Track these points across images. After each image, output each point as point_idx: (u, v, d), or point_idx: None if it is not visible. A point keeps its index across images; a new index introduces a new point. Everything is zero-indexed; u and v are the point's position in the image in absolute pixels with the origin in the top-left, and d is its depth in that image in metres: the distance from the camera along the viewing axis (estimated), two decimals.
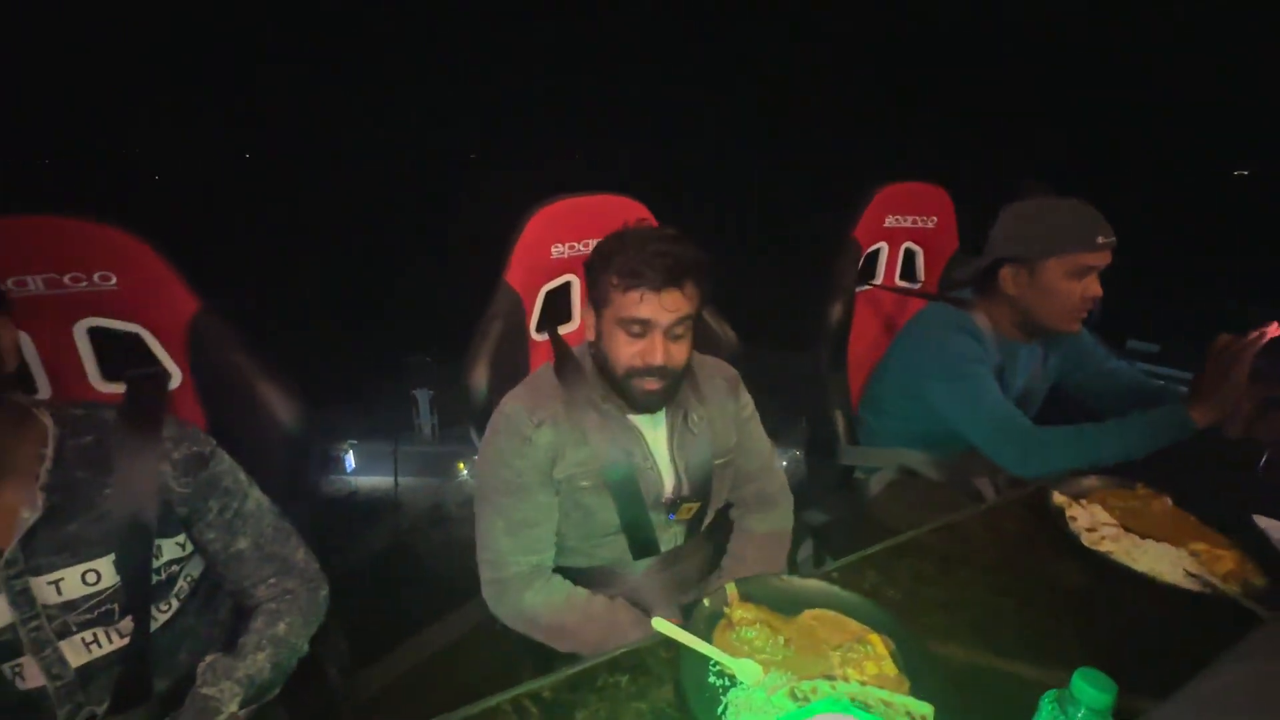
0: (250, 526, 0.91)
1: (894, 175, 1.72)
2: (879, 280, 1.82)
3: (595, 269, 0.99)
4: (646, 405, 1.02)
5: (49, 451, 0.77)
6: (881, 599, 0.82)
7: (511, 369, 1.24)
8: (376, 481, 7.63)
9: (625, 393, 1.01)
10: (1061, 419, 1.25)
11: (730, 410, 1.19)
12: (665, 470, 1.11)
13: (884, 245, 1.79)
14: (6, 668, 0.76)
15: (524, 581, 1.02)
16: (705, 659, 0.70)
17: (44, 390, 0.98)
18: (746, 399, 1.24)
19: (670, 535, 1.13)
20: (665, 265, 0.93)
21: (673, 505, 1.10)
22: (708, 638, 0.73)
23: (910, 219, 1.78)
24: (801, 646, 0.72)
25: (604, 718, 0.65)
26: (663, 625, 0.72)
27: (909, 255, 1.85)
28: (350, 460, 7.82)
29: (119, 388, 1.02)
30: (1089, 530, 0.93)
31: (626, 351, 0.97)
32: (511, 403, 1.05)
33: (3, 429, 0.74)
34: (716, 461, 1.16)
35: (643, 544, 1.10)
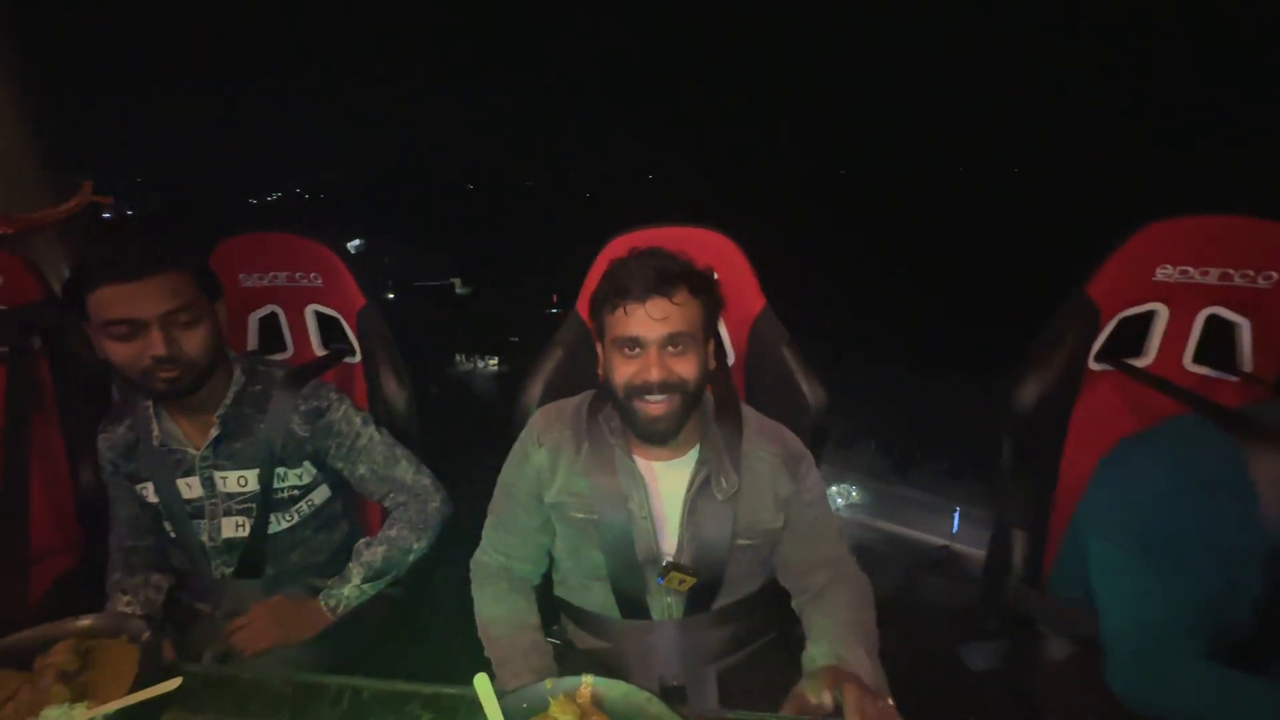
0: (365, 457, 1.20)
1: (1177, 205, 1.14)
2: (1148, 359, 1.24)
3: (593, 301, 0.98)
4: (654, 432, 0.95)
5: (230, 394, 1.14)
6: None
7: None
8: None
9: (631, 419, 0.96)
10: None
11: (780, 490, 1.02)
12: (667, 529, 1.01)
13: (1160, 309, 1.21)
14: (197, 523, 1.16)
15: (487, 573, 1.08)
16: None
17: (290, 350, 1.44)
18: (812, 481, 1.04)
19: (665, 604, 1.02)
20: (647, 276, 0.90)
21: (665, 570, 0.99)
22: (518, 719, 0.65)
23: (1214, 273, 1.16)
24: None
25: None
26: (482, 685, 0.68)
27: (1220, 329, 1.21)
28: None
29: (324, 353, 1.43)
30: None
31: (624, 372, 0.94)
32: (538, 413, 1.10)
33: (214, 375, 1.11)
34: (740, 542, 1.00)
35: (630, 602, 1.02)
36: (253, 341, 1.41)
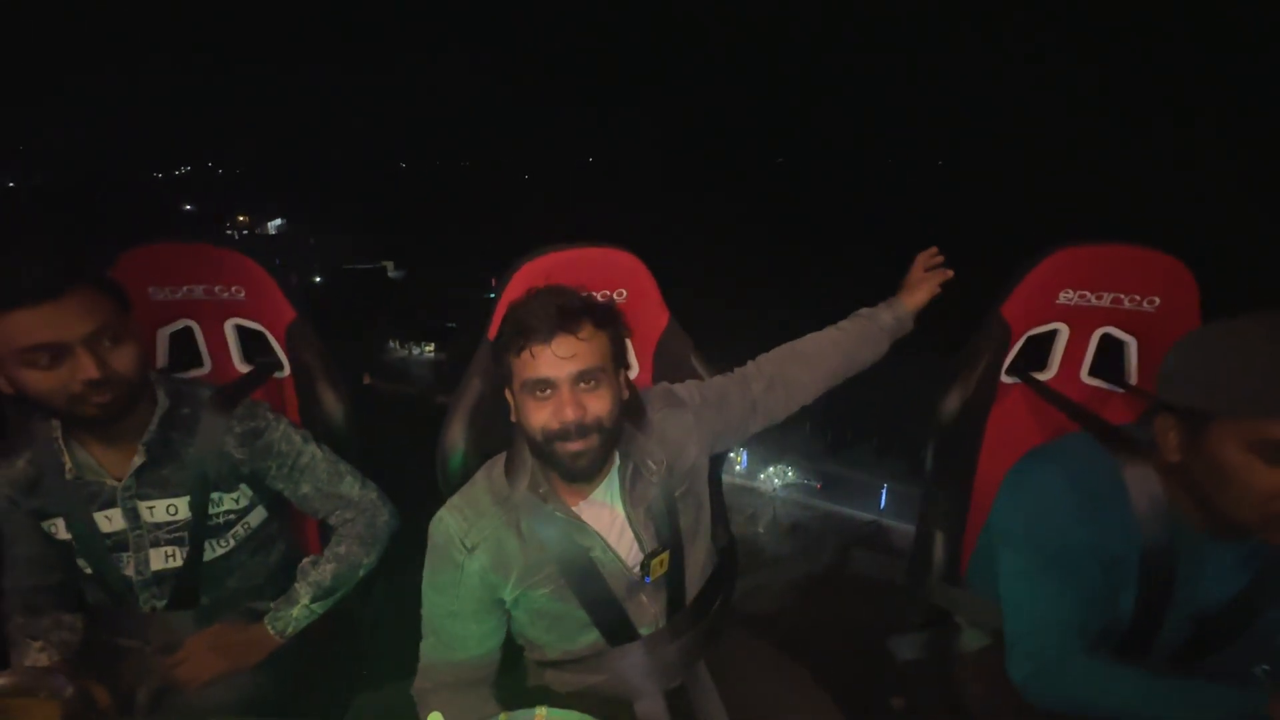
0: (308, 476, 1.16)
1: (1079, 235, 1.25)
2: (1051, 373, 1.35)
3: (496, 348, 0.96)
4: (577, 469, 0.93)
5: (155, 419, 1.07)
6: None
7: (502, 431, 1.07)
8: None
9: (554, 462, 0.94)
10: None
11: (690, 430, 1.06)
12: (631, 549, 1.02)
13: (1061, 328, 1.32)
14: (120, 556, 1.09)
15: (442, 698, 0.98)
16: None
17: (208, 366, 1.35)
18: (703, 390, 1.11)
19: (650, 617, 1.04)
20: (548, 313, 0.89)
21: (644, 567, 1.00)
22: None
23: (1107, 297, 1.27)
24: None
25: None
26: None
27: (1112, 346, 1.33)
28: None
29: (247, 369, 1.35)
30: None
31: (538, 417, 0.91)
32: (448, 516, 0.99)
33: (133, 399, 1.02)
34: (676, 492, 1.04)
35: (618, 632, 1.03)
36: (162, 359, 1.31)
